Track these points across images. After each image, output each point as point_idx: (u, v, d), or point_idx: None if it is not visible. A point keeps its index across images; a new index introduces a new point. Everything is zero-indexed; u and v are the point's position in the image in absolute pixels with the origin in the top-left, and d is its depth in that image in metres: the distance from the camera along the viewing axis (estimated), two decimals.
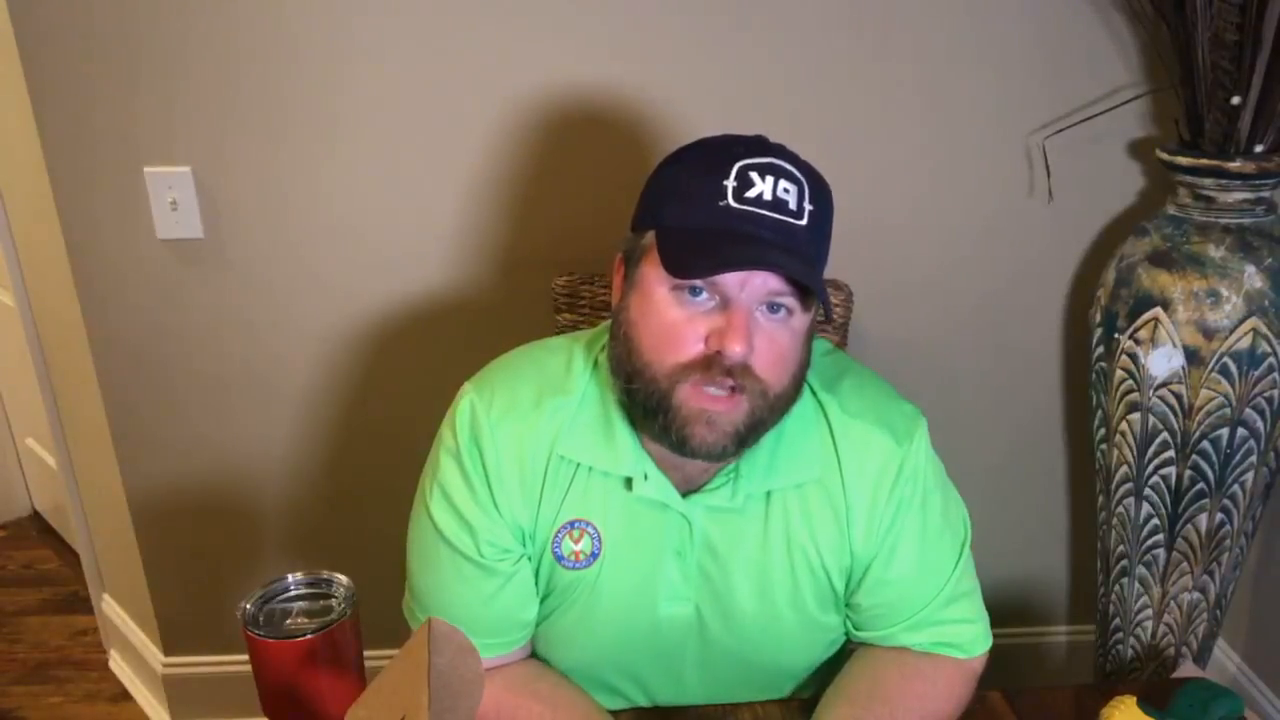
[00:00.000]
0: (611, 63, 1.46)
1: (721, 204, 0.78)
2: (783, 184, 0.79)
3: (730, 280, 0.78)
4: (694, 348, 0.79)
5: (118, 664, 2.03)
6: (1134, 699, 0.86)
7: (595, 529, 0.89)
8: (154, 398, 1.62)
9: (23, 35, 1.42)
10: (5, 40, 1.46)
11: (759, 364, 0.79)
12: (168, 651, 1.80)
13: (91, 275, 1.55)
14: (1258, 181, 1.35)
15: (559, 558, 0.90)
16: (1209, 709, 0.87)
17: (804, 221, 0.80)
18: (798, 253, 0.79)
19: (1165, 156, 1.41)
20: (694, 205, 0.80)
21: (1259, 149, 1.36)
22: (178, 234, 1.51)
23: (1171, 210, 1.44)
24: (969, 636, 0.95)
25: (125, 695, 1.96)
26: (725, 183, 0.78)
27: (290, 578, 0.77)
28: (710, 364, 0.79)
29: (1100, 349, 1.48)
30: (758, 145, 0.82)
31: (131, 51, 1.42)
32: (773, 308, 0.80)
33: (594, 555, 0.90)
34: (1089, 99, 1.52)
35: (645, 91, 1.48)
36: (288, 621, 0.74)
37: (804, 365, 0.85)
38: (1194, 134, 1.41)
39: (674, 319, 0.80)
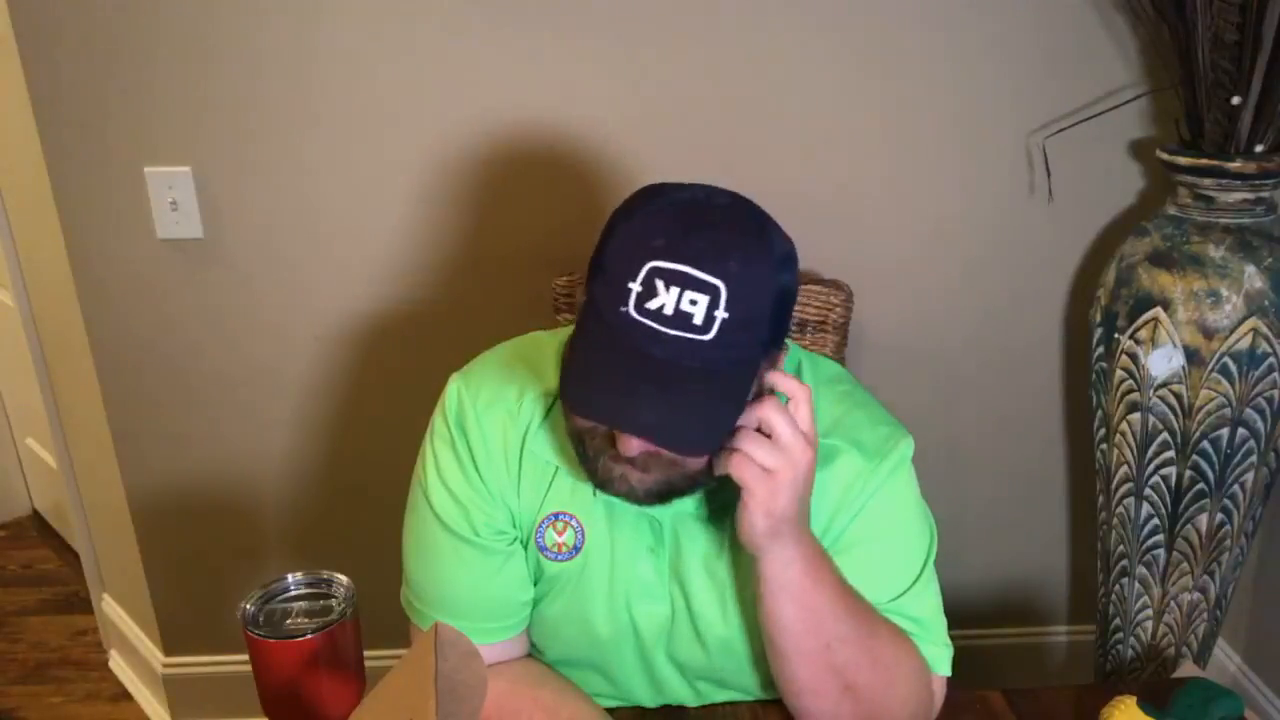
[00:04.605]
0: (608, 59, 1.47)
1: (622, 310, 0.73)
2: (688, 295, 0.71)
3: None
4: (599, 426, 0.78)
5: (118, 664, 2.02)
6: (1134, 699, 0.86)
7: (579, 522, 0.90)
8: (154, 397, 1.62)
9: (23, 35, 1.42)
10: (5, 40, 1.46)
11: (666, 450, 0.76)
12: (168, 651, 1.80)
13: (91, 275, 1.55)
14: (1258, 181, 1.35)
15: (542, 548, 0.91)
16: (1209, 709, 0.87)
17: (709, 336, 0.72)
18: (685, 377, 0.72)
19: (1165, 156, 1.41)
20: (605, 301, 0.74)
21: (1259, 149, 1.36)
22: (178, 234, 1.51)
23: (1171, 210, 1.44)
24: (926, 647, 0.91)
25: (125, 695, 1.96)
26: (631, 285, 0.72)
27: (290, 578, 0.77)
28: (616, 439, 0.77)
29: (1100, 349, 1.48)
30: (682, 236, 0.73)
31: (132, 51, 1.42)
32: None
33: (577, 549, 0.91)
34: (1089, 99, 1.52)
35: (643, 88, 1.48)
36: (288, 621, 0.74)
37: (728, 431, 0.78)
38: (1194, 134, 1.41)
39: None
